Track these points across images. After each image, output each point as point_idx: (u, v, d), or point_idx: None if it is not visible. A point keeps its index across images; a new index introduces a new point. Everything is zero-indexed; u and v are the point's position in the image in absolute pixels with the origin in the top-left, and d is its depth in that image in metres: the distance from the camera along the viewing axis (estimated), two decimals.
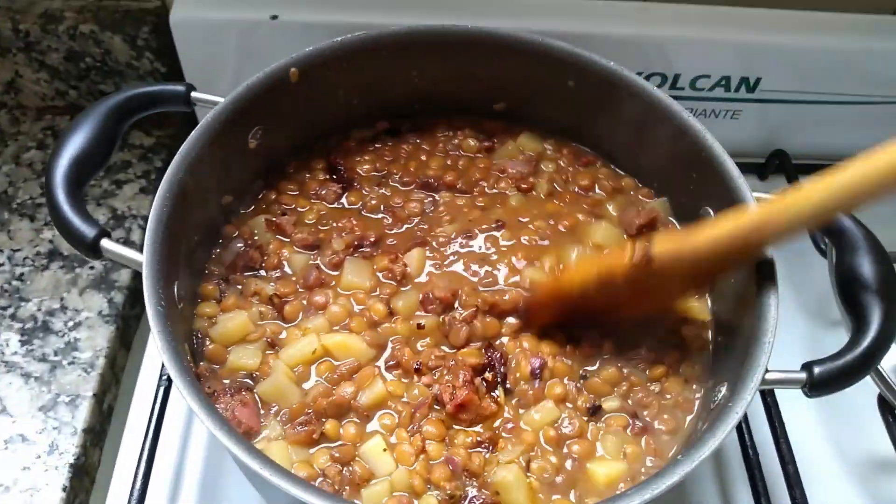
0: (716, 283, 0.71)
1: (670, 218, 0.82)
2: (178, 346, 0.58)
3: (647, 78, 0.98)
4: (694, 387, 0.69)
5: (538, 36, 0.80)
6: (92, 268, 0.95)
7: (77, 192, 0.64)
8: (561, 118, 0.86)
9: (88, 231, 0.62)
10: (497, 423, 0.66)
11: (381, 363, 0.69)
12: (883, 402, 0.82)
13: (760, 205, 0.61)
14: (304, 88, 0.78)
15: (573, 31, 0.91)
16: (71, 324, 0.90)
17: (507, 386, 0.68)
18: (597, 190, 0.84)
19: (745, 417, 0.78)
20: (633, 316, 0.69)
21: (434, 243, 0.77)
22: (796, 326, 0.95)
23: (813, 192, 0.55)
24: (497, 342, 0.71)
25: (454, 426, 0.65)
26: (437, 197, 0.81)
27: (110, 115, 0.69)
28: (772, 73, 0.99)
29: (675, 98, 0.99)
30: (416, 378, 0.67)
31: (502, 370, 0.68)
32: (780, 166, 1.06)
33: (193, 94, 0.73)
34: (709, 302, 0.75)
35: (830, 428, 0.86)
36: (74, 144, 0.66)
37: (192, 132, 0.69)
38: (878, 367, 0.81)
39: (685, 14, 0.97)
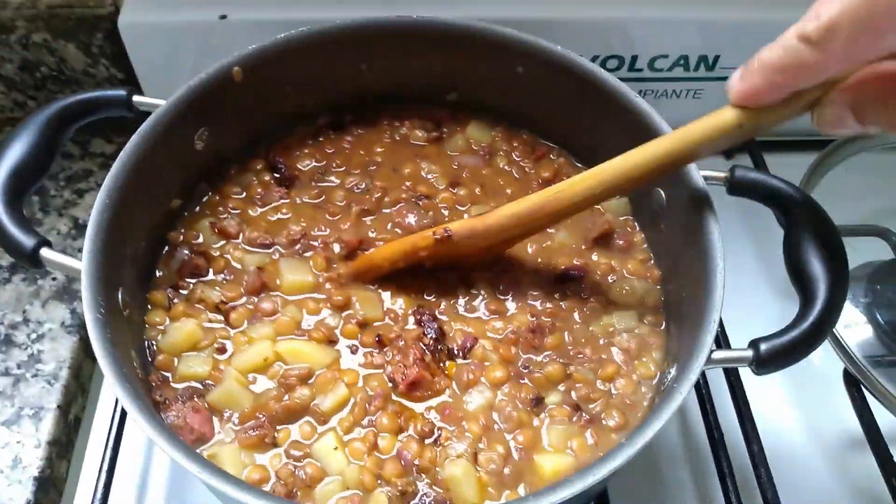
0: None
1: (629, 218, 0.81)
2: (119, 353, 0.57)
3: (605, 60, 0.97)
4: (644, 388, 0.68)
5: (483, 22, 0.79)
6: (54, 279, 0.94)
7: (16, 203, 0.63)
8: (513, 106, 0.85)
9: (27, 241, 0.61)
10: (438, 402, 0.67)
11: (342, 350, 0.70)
12: (848, 377, 0.82)
13: (527, 198, 0.70)
14: (250, 87, 0.77)
15: (529, 17, 0.91)
16: (34, 336, 0.89)
17: (457, 354, 0.69)
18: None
19: (710, 397, 0.78)
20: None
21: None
22: (766, 301, 0.94)
23: (573, 185, 0.67)
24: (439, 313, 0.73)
25: (406, 402, 0.67)
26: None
27: (48, 123, 0.68)
28: (730, 50, 0.98)
29: (636, 80, 1.00)
30: (377, 352, 0.69)
31: (435, 339, 0.69)
32: (744, 144, 1.05)
33: (135, 98, 0.72)
34: (661, 298, 0.74)
35: (798, 405, 0.86)
36: (12, 156, 0.65)
37: (133, 136, 0.68)
38: (843, 342, 0.80)
39: None
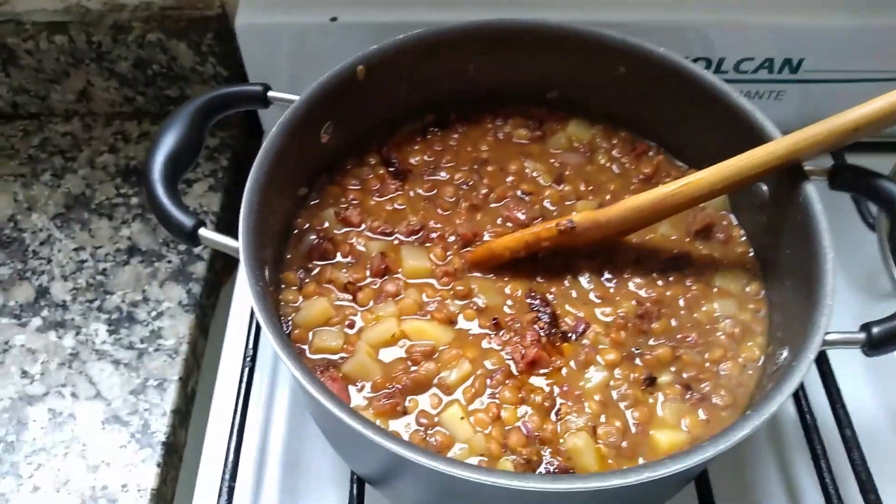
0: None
1: (728, 213, 0.85)
2: (276, 321, 0.63)
3: (694, 62, 1.01)
4: (750, 370, 0.73)
5: (589, 26, 0.83)
6: (169, 262, 1.01)
7: (173, 185, 0.69)
8: (613, 105, 0.89)
9: (187, 221, 0.67)
10: (556, 380, 0.72)
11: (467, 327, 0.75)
12: None
13: (651, 191, 0.75)
14: (370, 84, 0.82)
15: (618, 20, 0.94)
16: (154, 314, 0.96)
17: (570, 336, 0.74)
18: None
19: (802, 385, 0.81)
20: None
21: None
22: (847, 300, 0.97)
23: (695, 181, 0.73)
24: (550, 298, 0.77)
25: (527, 378, 0.72)
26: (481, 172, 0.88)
27: (197, 114, 0.74)
28: (814, 54, 1.01)
29: None
30: (494, 333, 0.74)
31: (549, 322, 0.73)
32: None
33: (270, 93, 0.78)
34: (762, 287, 0.78)
35: (886, 394, 0.88)
36: (168, 143, 0.71)
37: (274, 127, 0.74)
38: None
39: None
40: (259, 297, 0.63)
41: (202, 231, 0.68)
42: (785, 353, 0.66)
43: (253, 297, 0.62)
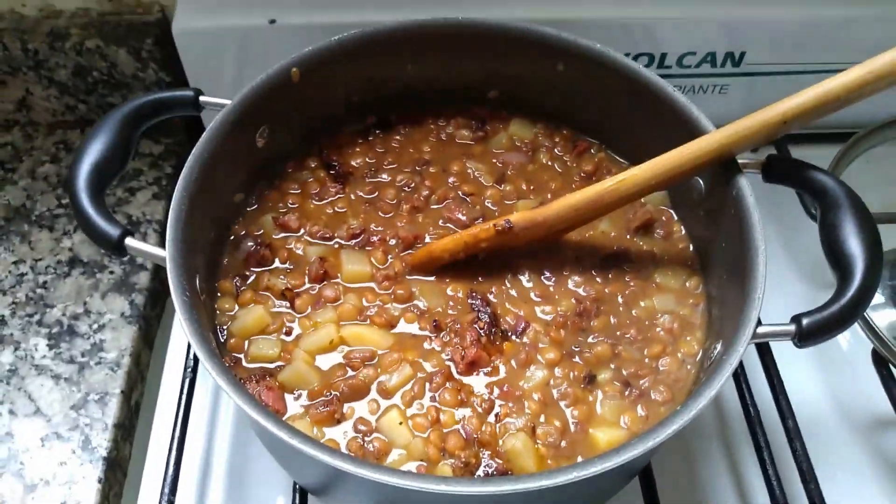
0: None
1: (668, 208, 0.85)
2: (204, 332, 0.61)
3: (635, 58, 1.01)
4: (688, 365, 0.73)
5: (526, 23, 0.83)
6: (112, 273, 0.99)
7: (99, 195, 0.68)
8: (554, 103, 0.89)
9: (113, 231, 0.66)
10: (496, 380, 0.71)
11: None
12: (877, 357, 0.85)
13: (586, 189, 0.75)
14: (305, 87, 0.81)
15: (560, 17, 0.94)
16: (95, 326, 0.94)
17: (510, 335, 0.74)
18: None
19: (745, 376, 0.82)
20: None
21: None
22: (794, 290, 0.98)
23: (630, 178, 0.73)
24: (491, 297, 0.77)
25: (466, 379, 0.71)
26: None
27: (125, 121, 0.72)
28: (756, 47, 1.02)
29: (664, 76, 1.04)
30: (434, 336, 0.73)
31: (489, 322, 0.73)
32: None
33: (201, 98, 0.76)
34: (701, 282, 0.79)
35: (828, 384, 0.89)
36: (93, 151, 0.69)
37: (204, 132, 0.73)
38: (872, 322, 0.84)
39: None
40: (185, 306, 0.61)
41: (129, 241, 0.66)
42: (719, 347, 0.66)
43: (178, 306, 0.61)
